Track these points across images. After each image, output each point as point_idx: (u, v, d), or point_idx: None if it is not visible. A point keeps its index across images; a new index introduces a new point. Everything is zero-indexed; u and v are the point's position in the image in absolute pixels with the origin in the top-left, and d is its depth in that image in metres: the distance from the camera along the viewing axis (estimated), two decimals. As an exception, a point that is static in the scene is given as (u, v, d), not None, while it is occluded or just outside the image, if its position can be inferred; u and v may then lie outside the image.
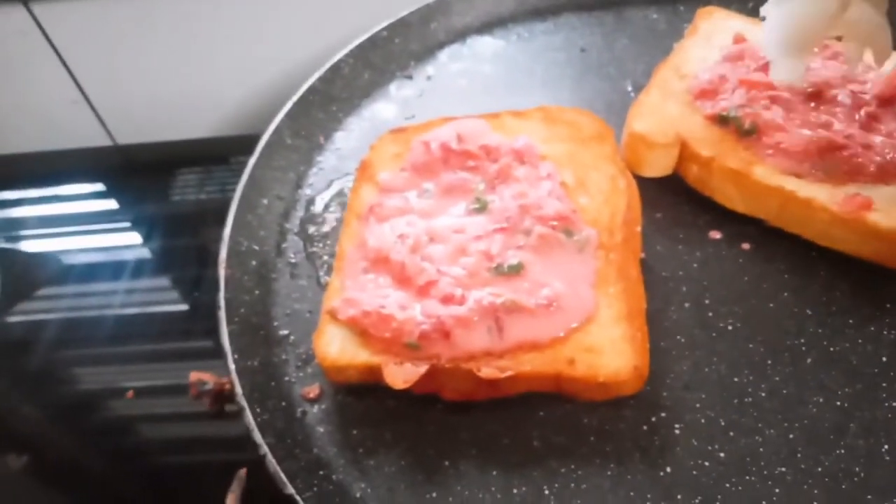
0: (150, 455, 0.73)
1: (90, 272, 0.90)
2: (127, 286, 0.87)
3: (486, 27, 0.86)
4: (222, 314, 0.59)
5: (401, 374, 0.53)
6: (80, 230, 0.96)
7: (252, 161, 0.70)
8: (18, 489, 0.71)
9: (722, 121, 0.65)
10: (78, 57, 0.97)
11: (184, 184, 0.98)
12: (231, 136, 1.00)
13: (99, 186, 1.01)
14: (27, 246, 0.96)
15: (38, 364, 0.80)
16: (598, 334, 0.54)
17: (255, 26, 0.93)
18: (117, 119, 1.04)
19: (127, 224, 0.97)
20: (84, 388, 0.79)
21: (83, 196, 1.01)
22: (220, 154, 0.98)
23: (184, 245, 0.93)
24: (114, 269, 0.90)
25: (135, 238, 0.95)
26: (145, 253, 0.93)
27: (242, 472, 0.64)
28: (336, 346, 0.55)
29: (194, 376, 0.71)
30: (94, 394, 0.78)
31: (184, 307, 0.85)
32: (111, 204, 1.00)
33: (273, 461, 0.51)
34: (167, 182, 0.98)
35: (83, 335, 0.83)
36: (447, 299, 0.55)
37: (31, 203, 1.00)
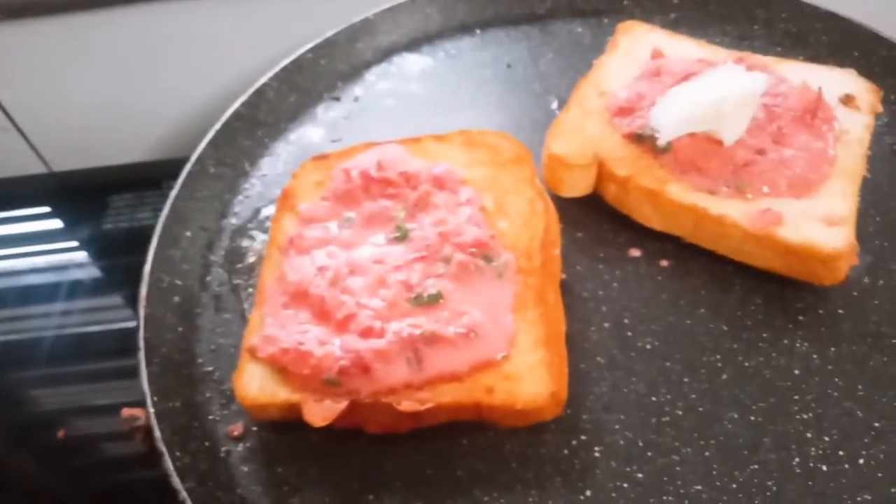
0: (90, 477, 0.73)
1: (25, 296, 0.90)
2: (62, 309, 0.87)
3: (413, 45, 0.86)
4: (141, 355, 0.59)
5: (320, 412, 0.53)
6: (15, 255, 0.95)
7: (173, 193, 0.69)
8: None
9: (638, 139, 0.65)
10: (4, 83, 0.95)
11: (117, 209, 0.97)
12: (163, 159, 0.99)
13: (33, 211, 1.00)
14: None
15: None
16: (516, 361, 0.55)
17: (184, 50, 0.92)
18: (49, 145, 1.02)
19: (64, 248, 0.96)
20: (24, 411, 0.78)
21: (18, 220, 1.00)
22: (152, 178, 0.97)
23: (118, 268, 0.93)
24: (49, 293, 0.89)
25: (71, 262, 0.94)
26: (80, 276, 0.92)
27: None
28: (256, 385, 0.55)
29: (126, 412, 0.70)
30: (35, 416, 0.78)
31: (121, 327, 0.85)
32: (47, 228, 0.99)
33: (193, 507, 0.51)
34: (101, 207, 0.97)
35: (19, 358, 0.82)
36: (366, 332, 0.55)
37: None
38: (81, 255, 0.94)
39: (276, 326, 0.57)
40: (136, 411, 0.69)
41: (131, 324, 0.85)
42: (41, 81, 0.94)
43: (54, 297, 0.89)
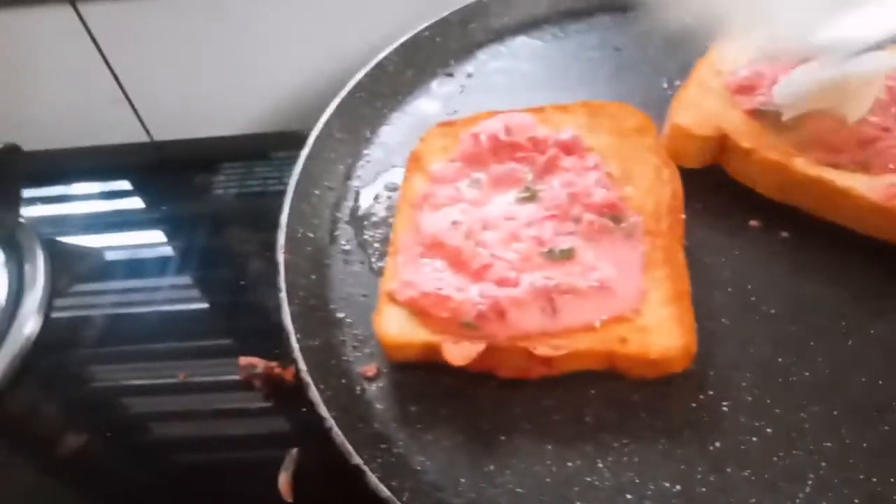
0: (191, 450, 0.74)
1: (128, 269, 0.91)
2: (163, 283, 0.88)
3: (522, 27, 0.88)
4: (283, 296, 0.62)
5: (460, 352, 0.55)
6: (118, 225, 0.97)
7: (304, 153, 0.72)
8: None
9: (760, 115, 0.67)
10: (119, 55, 0.99)
11: (223, 180, 1.00)
12: (270, 132, 1.03)
13: (137, 182, 1.03)
14: (68, 240, 0.97)
15: (80, 361, 0.81)
16: (647, 315, 0.57)
17: (295, 25, 0.96)
18: (156, 117, 1.07)
19: (163, 220, 0.98)
20: (123, 385, 0.80)
21: (122, 193, 1.02)
22: (259, 151, 1.00)
23: (222, 242, 0.94)
24: (150, 267, 0.90)
25: (171, 234, 0.95)
26: (181, 250, 0.93)
27: (294, 451, 0.66)
28: (395, 326, 0.58)
29: (244, 361, 0.73)
30: (134, 390, 0.79)
31: (224, 302, 0.86)
32: (147, 200, 1.01)
33: (339, 433, 0.53)
34: (206, 178, 1.00)
35: (123, 333, 0.84)
36: (502, 282, 0.57)
37: (72, 199, 1.02)
38: (185, 225, 0.95)
39: (413, 273, 0.60)
40: (253, 360, 0.72)
41: (234, 297, 0.86)
42: (154, 53, 0.99)
43: (156, 269, 0.90)
